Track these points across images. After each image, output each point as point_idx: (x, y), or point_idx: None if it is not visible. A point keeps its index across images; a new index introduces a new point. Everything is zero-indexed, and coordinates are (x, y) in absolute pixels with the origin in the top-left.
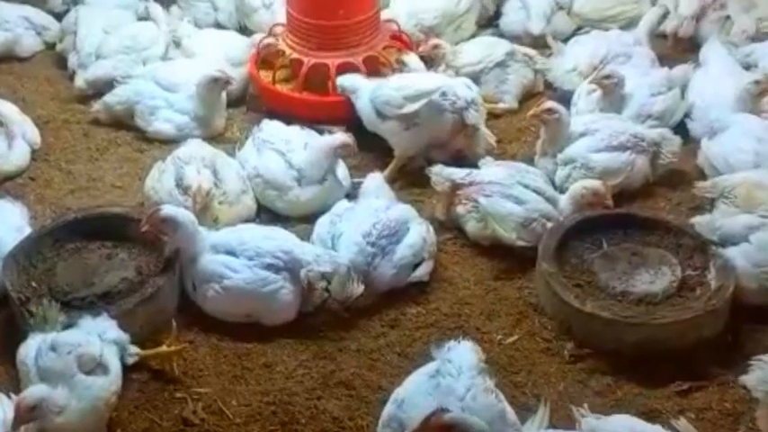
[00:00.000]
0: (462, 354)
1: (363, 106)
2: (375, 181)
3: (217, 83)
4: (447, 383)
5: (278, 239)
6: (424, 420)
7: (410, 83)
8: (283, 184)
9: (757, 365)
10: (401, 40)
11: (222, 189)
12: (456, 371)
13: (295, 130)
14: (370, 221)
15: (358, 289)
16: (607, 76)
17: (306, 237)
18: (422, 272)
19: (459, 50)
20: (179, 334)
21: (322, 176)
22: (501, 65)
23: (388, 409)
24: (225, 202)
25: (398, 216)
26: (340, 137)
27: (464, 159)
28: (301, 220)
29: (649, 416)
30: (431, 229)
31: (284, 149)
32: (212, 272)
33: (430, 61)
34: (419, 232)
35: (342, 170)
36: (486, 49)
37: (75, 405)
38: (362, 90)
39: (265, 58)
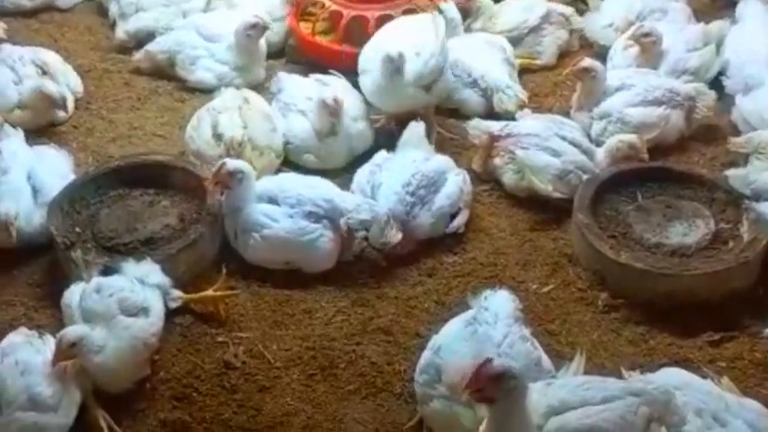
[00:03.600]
0: (499, 302)
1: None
2: (414, 131)
3: (255, 29)
4: (484, 331)
5: (319, 188)
6: (476, 371)
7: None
8: (312, 145)
9: None
10: None
11: (248, 135)
12: (492, 318)
13: (313, 84)
14: (409, 172)
15: (396, 236)
16: (646, 35)
17: (344, 187)
18: (458, 222)
19: (495, 15)
20: (226, 280)
21: (330, 128)
22: (535, 29)
23: (426, 355)
24: (255, 148)
25: (437, 167)
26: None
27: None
28: (334, 173)
29: (681, 365)
30: (468, 179)
31: (306, 108)
32: (254, 221)
33: (466, 13)
34: (456, 182)
35: (362, 123)
36: (521, 14)
37: (113, 345)
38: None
39: (305, 10)
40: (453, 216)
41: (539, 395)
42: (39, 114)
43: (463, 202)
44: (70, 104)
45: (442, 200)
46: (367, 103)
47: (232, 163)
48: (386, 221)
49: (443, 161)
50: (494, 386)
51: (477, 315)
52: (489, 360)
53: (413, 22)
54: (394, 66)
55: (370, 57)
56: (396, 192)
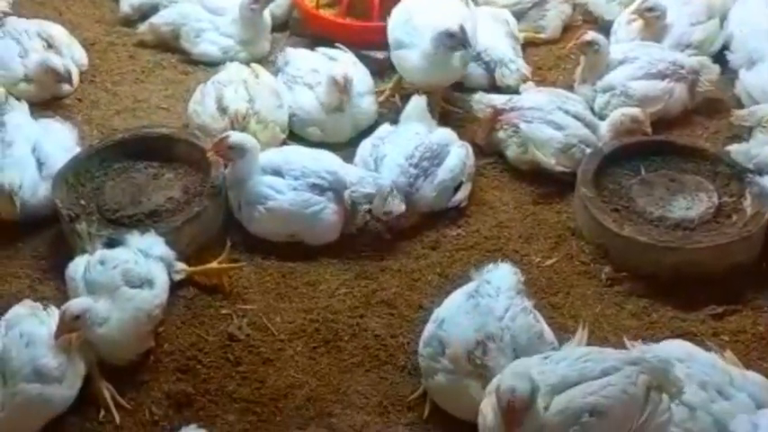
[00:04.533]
0: (501, 275)
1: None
2: (417, 104)
3: (258, 2)
4: (486, 303)
5: (323, 160)
6: (504, 410)
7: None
8: (318, 118)
9: None
10: None
11: (254, 108)
12: (495, 291)
13: (319, 58)
14: (412, 144)
15: (400, 207)
16: (650, 9)
17: (347, 161)
18: (460, 196)
19: None
20: (230, 253)
21: (339, 104)
22: (539, 3)
23: (429, 328)
24: (259, 121)
25: (440, 139)
26: None
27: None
28: (338, 147)
29: (684, 338)
30: (470, 152)
31: (312, 82)
32: (258, 193)
33: None
34: (459, 155)
35: (368, 98)
36: None
37: (116, 316)
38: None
39: None
40: (456, 189)
41: (538, 372)
42: (44, 88)
43: (466, 176)
44: (75, 78)
45: (444, 173)
46: (374, 76)
47: (235, 136)
48: (389, 192)
49: (446, 134)
50: None
51: (479, 288)
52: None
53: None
54: (456, 40)
55: (415, 31)
56: (399, 164)
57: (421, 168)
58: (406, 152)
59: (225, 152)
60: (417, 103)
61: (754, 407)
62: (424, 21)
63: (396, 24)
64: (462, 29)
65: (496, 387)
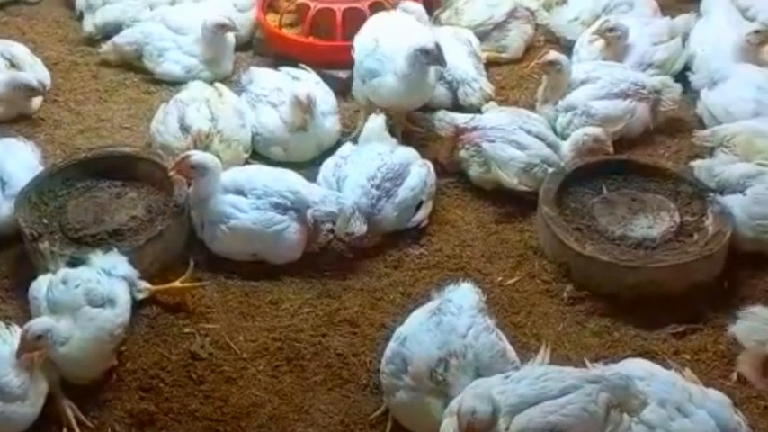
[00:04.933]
0: (462, 294)
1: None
2: (375, 124)
3: (221, 29)
4: (448, 321)
5: (286, 180)
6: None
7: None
8: (281, 138)
9: (746, 316)
10: None
11: (217, 127)
12: (457, 309)
13: (283, 78)
14: (374, 165)
15: (361, 228)
16: (611, 29)
17: (310, 180)
18: (421, 216)
19: (461, 10)
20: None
21: (302, 123)
22: (501, 24)
23: (391, 346)
24: (222, 140)
25: (402, 159)
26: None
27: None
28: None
29: (645, 357)
30: (431, 170)
31: (276, 101)
32: (220, 212)
33: (431, 5)
34: (420, 174)
35: (331, 118)
36: (487, 10)
37: (78, 335)
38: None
39: (272, 3)
40: (417, 208)
41: (498, 393)
42: (13, 106)
43: (426, 195)
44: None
45: (405, 192)
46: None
47: (196, 156)
48: (351, 213)
49: (408, 153)
50: None
51: (441, 306)
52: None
53: (394, 17)
54: (432, 57)
55: (385, 57)
56: (361, 185)
57: (383, 189)
58: (368, 173)
59: (187, 171)
60: (375, 122)
61: (714, 424)
62: (391, 45)
63: (363, 56)
64: (437, 45)
65: (457, 408)
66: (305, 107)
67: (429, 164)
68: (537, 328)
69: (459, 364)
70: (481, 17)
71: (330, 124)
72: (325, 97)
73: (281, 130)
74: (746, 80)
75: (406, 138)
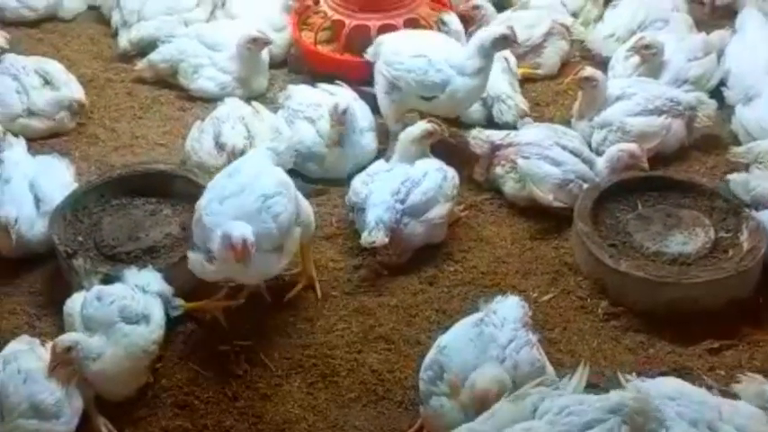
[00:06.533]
0: (508, 306)
1: None
2: (418, 129)
3: (255, 43)
4: (490, 332)
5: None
6: None
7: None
8: (318, 153)
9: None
10: (441, 2)
11: (254, 145)
12: (500, 321)
13: (321, 94)
14: (399, 180)
15: (383, 239)
16: (647, 46)
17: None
18: (435, 213)
19: None
20: (229, 289)
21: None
22: (537, 45)
23: (431, 353)
24: None
25: (424, 169)
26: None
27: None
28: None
29: (680, 372)
30: (452, 175)
31: (314, 116)
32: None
33: (469, 21)
34: (435, 179)
35: (368, 135)
36: (525, 31)
37: (111, 352)
38: None
39: (306, 20)
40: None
41: (521, 429)
42: (52, 123)
43: (443, 197)
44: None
45: (417, 196)
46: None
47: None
48: (375, 225)
49: (429, 162)
50: None
51: (485, 317)
52: None
53: (428, 35)
54: (508, 42)
55: (443, 64)
56: (384, 200)
57: (408, 204)
58: (392, 188)
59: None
60: (417, 128)
61: None
62: (442, 52)
63: (420, 73)
64: (512, 28)
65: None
66: (337, 118)
67: (449, 169)
68: (572, 345)
69: None
70: (520, 38)
71: (367, 141)
72: (362, 114)
73: (318, 145)
74: None
75: (444, 155)
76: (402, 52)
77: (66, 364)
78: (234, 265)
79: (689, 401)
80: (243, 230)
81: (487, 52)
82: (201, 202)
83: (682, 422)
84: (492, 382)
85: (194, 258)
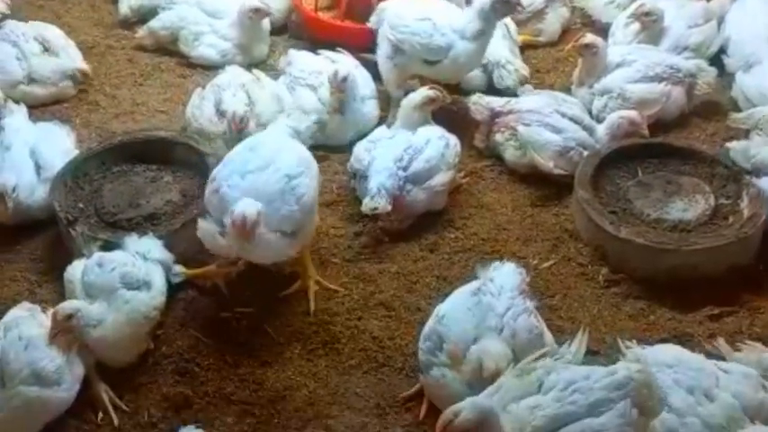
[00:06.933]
0: (505, 274)
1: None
2: (419, 96)
3: (257, 13)
4: (488, 301)
5: None
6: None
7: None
8: (318, 120)
9: None
10: None
11: (255, 111)
12: (497, 290)
13: (322, 61)
14: (401, 147)
15: (386, 206)
16: (647, 13)
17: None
18: (437, 181)
19: None
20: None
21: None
22: (539, 11)
23: (429, 323)
24: (259, 124)
25: (427, 137)
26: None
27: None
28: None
29: (681, 339)
30: (454, 143)
31: (316, 83)
32: None
33: None
34: (437, 147)
35: (370, 102)
36: None
37: (111, 318)
38: None
39: None
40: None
41: (525, 408)
42: (53, 90)
43: (446, 165)
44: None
45: (420, 163)
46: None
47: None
48: (376, 191)
49: (432, 130)
50: None
51: (482, 285)
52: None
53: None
54: (511, 5)
55: (446, 28)
56: (387, 167)
57: (411, 171)
58: (395, 155)
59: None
60: (418, 95)
61: (738, 405)
62: (446, 16)
63: (425, 36)
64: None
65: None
66: (337, 85)
67: (451, 137)
68: (572, 312)
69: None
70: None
71: (369, 108)
72: (364, 81)
73: (319, 112)
74: None
75: (444, 121)
76: (406, 16)
77: (66, 332)
78: (243, 242)
79: (686, 368)
80: (245, 207)
81: (488, 15)
82: (222, 173)
83: (679, 390)
84: (499, 359)
85: (206, 228)
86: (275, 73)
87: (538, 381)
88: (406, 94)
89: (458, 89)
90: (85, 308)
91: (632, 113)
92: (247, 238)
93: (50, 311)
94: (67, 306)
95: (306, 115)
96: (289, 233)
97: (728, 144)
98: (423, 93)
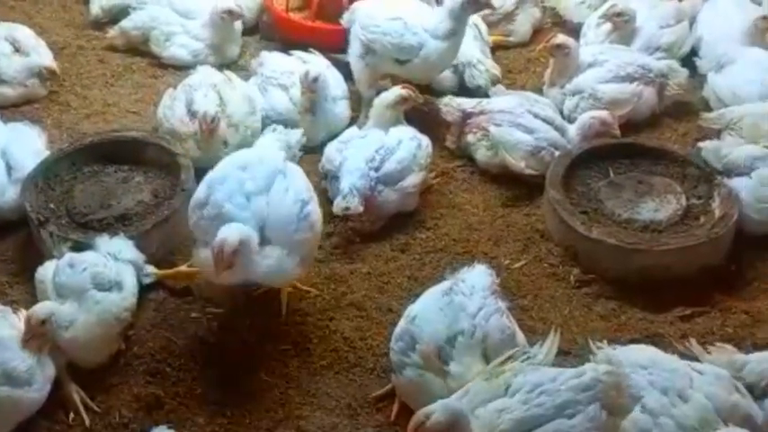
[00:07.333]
0: (476, 275)
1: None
2: (392, 94)
3: (230, 15)
4: (459, 301)
5: None
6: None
7: None
8: (290, 120)
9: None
10: None
11: (226, 112)
12: (468, 290)
13: (294, 61)
14: (373, 147)
15: (358, 207)
16: (619, 14)
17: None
18: (409, 182)
19: None
20: None
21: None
22: (509, 12)
23: (401, 323)
24: (231, 124)
25: (399, 137)
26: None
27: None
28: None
29: (653, 339)
30: (426, 143)
31: (287, 83)
32: None
33: None
34: (409, 148)
35: (341, 103)
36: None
37: (83, 319)
38: None
39: None
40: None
41: (493, 410)
42: (23, 90)
43: (417, 166)
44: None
45: (391, 164)
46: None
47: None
48: (348, 192)
49: (403, 131)
50: None
51: (453, 285)
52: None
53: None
54: (482, 3)
55: (418, 28)
56: (359, 167)
57: (383, 172)
58: (366, 155)
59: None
60: (390, 94)
61: (711, 407)
62: (417, 16)
63: (396, 36)
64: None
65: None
66: (308, 86)
67: (423, 137)
68: (544, 312)
69: (467, 343)
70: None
71: (340, 109)
72: (335, 82)
73: (290, 112)
74: (754, 63)
75: (416, 122)
76: (377, 16)
77: (40, 336)
78: (221, 270)
79: (661, 369)
80: (228, 233)
81: (458, 15)
82: (217, 195)
83: (653, 391)
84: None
85: (203, 257)
86: (247, 73)
87: (505, 383)
88: (378, 93)
89: (429, 90)
90: (58, 309)
91: (603, 114)
92: (227, 265)
93: (22, 312)
94: (41, 310)
95: (291, 129)
96: (299, 258)
97: (700, 144)
98: (396, 92)
